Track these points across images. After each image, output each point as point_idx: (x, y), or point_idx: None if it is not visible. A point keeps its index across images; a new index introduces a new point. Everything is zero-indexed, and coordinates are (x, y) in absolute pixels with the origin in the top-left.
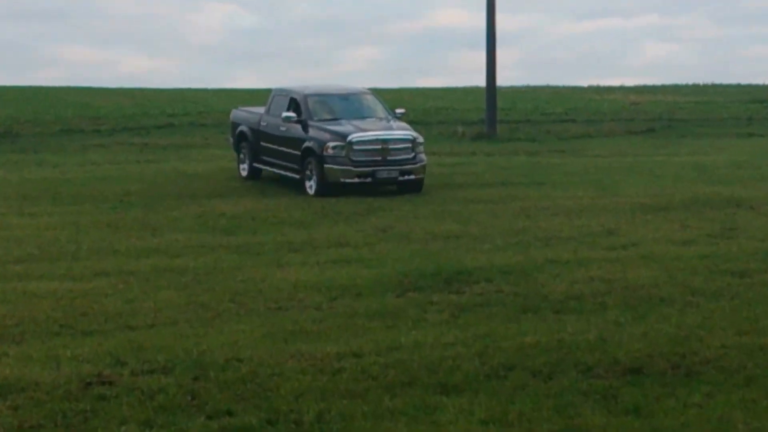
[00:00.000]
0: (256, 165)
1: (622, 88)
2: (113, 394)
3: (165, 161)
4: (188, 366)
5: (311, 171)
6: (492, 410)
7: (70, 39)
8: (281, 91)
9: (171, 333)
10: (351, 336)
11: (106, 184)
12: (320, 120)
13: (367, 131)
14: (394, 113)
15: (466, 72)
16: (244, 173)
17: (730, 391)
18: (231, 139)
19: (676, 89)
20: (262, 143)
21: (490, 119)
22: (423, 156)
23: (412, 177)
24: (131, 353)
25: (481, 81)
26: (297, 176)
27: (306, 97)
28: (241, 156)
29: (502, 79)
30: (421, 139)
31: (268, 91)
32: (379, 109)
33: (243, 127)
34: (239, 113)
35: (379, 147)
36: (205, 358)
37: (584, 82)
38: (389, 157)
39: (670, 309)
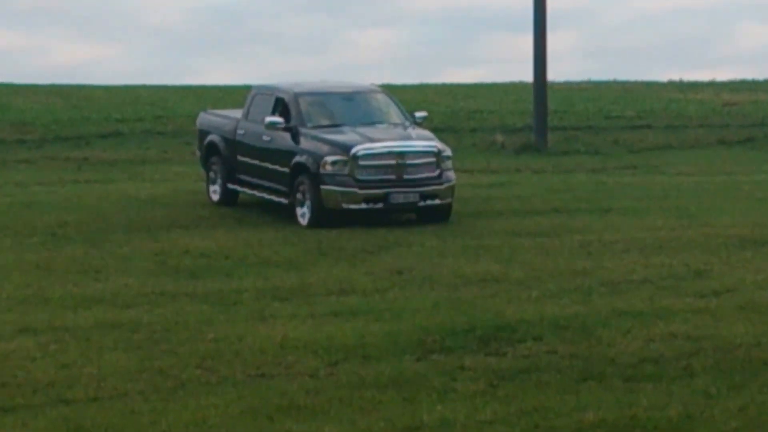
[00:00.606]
0: (231, 186)
1: (712, 85)
2: None
3: (111, 181)
4: None
5: (304, 194)
6: None
7: None
8: (264, 90)
9: (120, 409)
10: (357, 413)
11: (34, 212)
12: (316, 127)
13: (378, 141)
14: (413, 117)
15: (508, 63)
16: (215, 197)
17: None
18: (198, 153)
19: None
20: (240, 158)
21: (540, 125)
22: (451, 174)
23: (437, 201)
24: None
25: (527, 75)
26: (285, 201)
27: (297, 96)
28: (212, 174)
29: (555, 73)
30: (448, 152)
31: (247, 88)
32: (393, 113)
33: (214, 137)
34: (209, 118)
35: (394, 162)
36: None
37: (663, 77)
38: (407, 176)
39: None
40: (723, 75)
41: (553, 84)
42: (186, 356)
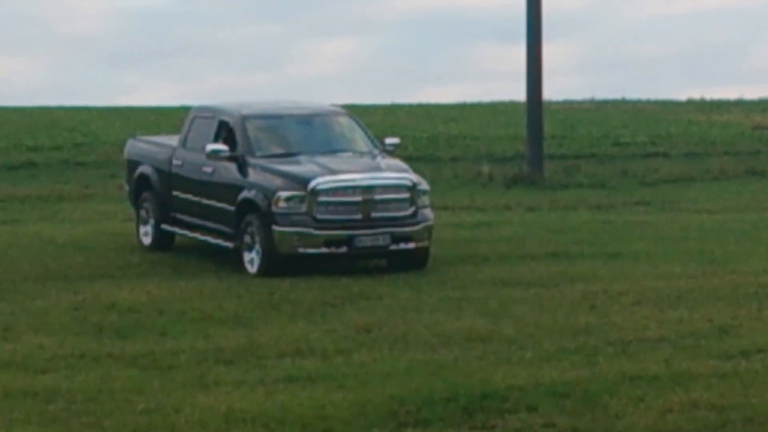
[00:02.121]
0: (165, 227)
1: (740, 104)
2: None
3: (23, 222)
4: None
5: (253, 236)
6: None
7: None
8: (205, 112)
9: None
10: None
11: None
12: (267, 156)
13: (341, 173)
14: (383, 144)
15: (497, 79)
16: (146, 240)
17: None
18: (127, 187)
19: None
20: (176, 193)
21: (534, 153)
22: (428, 212)
23: (412, 245)
24: None
25: (519, 93)
26: (231, 245)
27: (244, 120)
28: (143, 213)
29: (553, 90)
30: (425, 186)
31: (185, 109)
32: (359, 139)
33: (145, 168)
34: (139, 146)
35: (360, 198)
36: None
37: (681, 95)
38: (375, 214)
39: None
40: (753, 93)
41: (551, 104)
42: (112, 431)
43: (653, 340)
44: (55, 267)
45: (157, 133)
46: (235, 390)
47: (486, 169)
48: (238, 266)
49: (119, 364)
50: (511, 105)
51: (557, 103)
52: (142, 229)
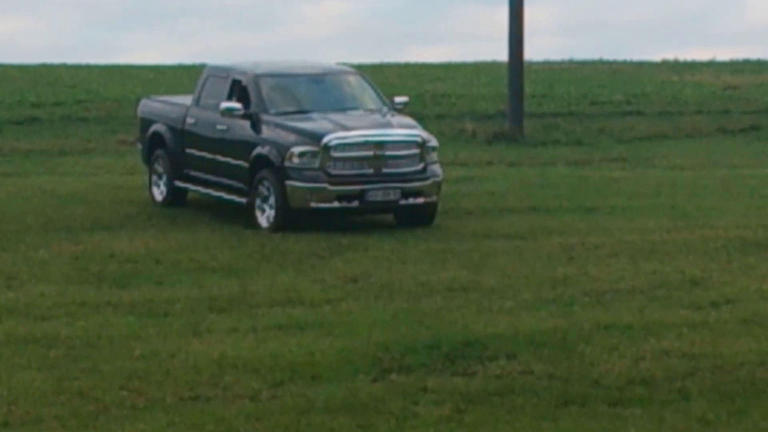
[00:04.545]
0: (179, 184)
1: (712, 65)
2: None
3: (26, 175)
4: None
5: (266, 192)
6: None
7: None
8: (219, 71)
9: None
10: None
11: None
12: (280, 113)
13: (353, 130)
14: (392, 103)
15: (480, 40)
16: (159, 196)
17: None
18: (140, 145)
19: None
20: (189, 150)
21: (515, 111)
22: (437, 168)
23: (421, 200)
24: None
25: (502, 54)
26: (243, 200)
27: (257, 78)
28: (156, 170)
29: (533, 52)
30: (434, 143)
31: (186, 68)
32: (369, 97)
33: (159, 127)
34: (153, 105)
35: (372, 154)
36: None
37: (656, 56)
38: (386, 169)
39: None
40: (724, 54)
41: (531, 64)
42: (110, 376)
43: (627, 291)
44: (57, 218)
45: (157, 90)
46: (227, 337)
47: (469, 126)
48: (231, 218)
49: (117, 312)
50: (494, 65)
51: (537, 63)
52: (155, 185)
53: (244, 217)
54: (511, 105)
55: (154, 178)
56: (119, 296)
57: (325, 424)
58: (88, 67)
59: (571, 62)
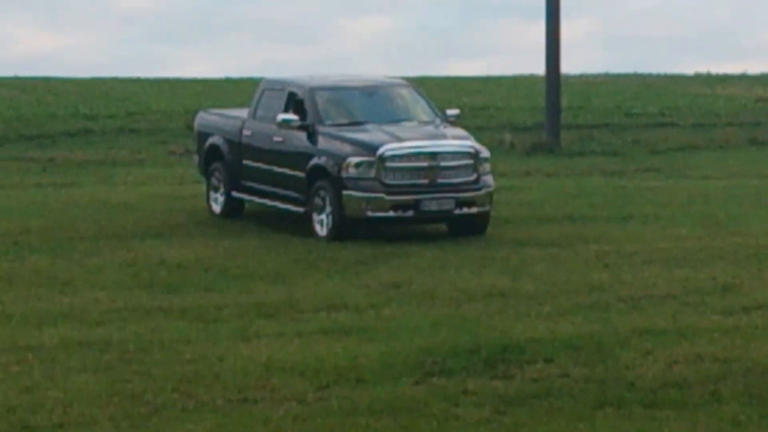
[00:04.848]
0: (236, 195)
1: (743, 78)
2: None
3: (79, 185)
4: None
5: (323, 201)
6: None
7: None
8: (275, 84)
9: None
10: None
11: None
12: (336, 125)
13: (407, 141)
14: (445, 115)
15: (518, 54)
16: (217, 207)
17: None
18: (197, 157)
19: None
20: (247, 162)
21: (552, 123)
22: (490, 178)
23: (475, 209)
24: None
25: (539, 67)
26: (301, 210)
27: (313, 91)
28: (213, 182)
29: (570, 65)
30: (486, 154)
31: (233, 81)
32: (422, 109)
33: (216, 139)
34: (209, 118)
35: (426, 164)
36: None
37: (689, 70)
38: (441, 180)
39: None
40: (756, 68)
41: (568, 77)
42: (161, 379)
43: (661, 297)
44: (109, 227)
45: (204, 102)
46: (274, 341)
47: (508, 137)
48: (278, 226)
49: (168, 317)
50: (531, 78)
51: (574, 76)
52: (212, 196)
53: (291, 225)
54: (548, 117)
55: (212, 189)
56: (170, 302)
57: (370, 426)
58: (139, 81)
59: (606, 75)
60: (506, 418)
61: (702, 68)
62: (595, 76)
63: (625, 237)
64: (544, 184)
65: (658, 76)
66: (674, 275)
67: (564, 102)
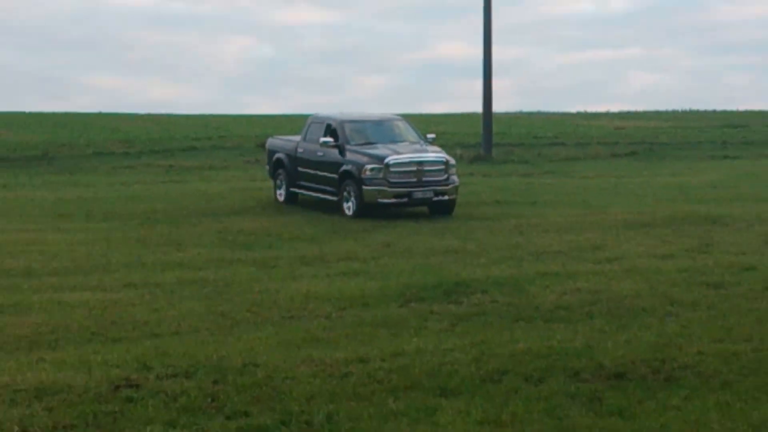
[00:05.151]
0: (293, 190)
1: (607, 115)
2: (140, 397)
3: (188, 182)
4: (209, 370)
5: (349, 193)
6: (487, 412)
7: (100, 68)
8: (317, 119)
9: (193, 340)
10: (358, 343)
11: (135, 202)
12: (357, 144)
13: (403, 154)
14: (426, 138)
15: (465, 99)
16: (281, 198)
17: (706, 395)
18: (267, 167)
19: (657, 115)
20: (300, 168)
21: (487, 143)
22: (455, 178)
23: (445, 198)
24: (156, 358)
25: (478, 107)
26: (335, 198)
27: (343, 123)
28: (278, 182)
29: (498, 106)
30: (453, 162)
31: (282, 117)
32: (411, 134)
33: (280, 155)
34: (275, 141)
35: (415, 169)
36: (224, 363)
37: (573, 109)
38: (424, 179)
39: (651, 318)
40: (616, 108)
41: (497, 114)
42: (239, 303)
43: (555, 252)
44: (207, 208)
45: (269, 131)
46: (311, 280)
47: (459, 152)
48: (315, 209)
49: (244, 265)
50: (474, 115)
51: (501, 114)
52: (278, 191)
53: (327, 208)
54: (484, 139)
55: (278, 186)
56: (245, 255)
57: (371, 333)
58: (225, 116)
59: (520, 113)
60: (457, 328)
61: (581, 108)
62: (514, 113)
63: (532, 214)
64: (482, 181)
65: (554, 113)
66: (563, 238)
67: (494, 129)
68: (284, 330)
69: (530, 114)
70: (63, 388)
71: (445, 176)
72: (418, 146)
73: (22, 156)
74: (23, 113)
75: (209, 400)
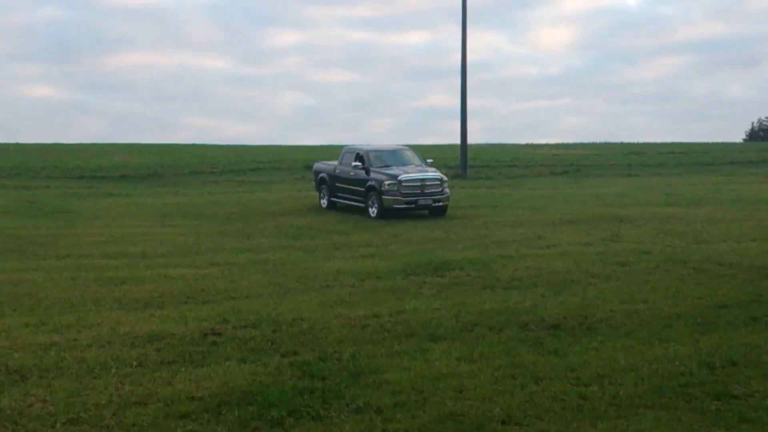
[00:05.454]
0: (332, 199)
1: (547, 145)
2: (221, 341)
3: (255, 192)
4: (269, 323)
5: (373, 201)
6: (463, 352)
7: (194, 112)
8: (349, 149)
9: (258, 302)
10: (373, 304)
11: (217, 206)
12: (378, 167)
13: (411, 174)
14: (426, 161)
15: (448, 134)
16: (324, 205)
17: (615, 340)
18: (313, 183)
19: (582, 146)
20: (337, 184)
21: (463, 165)
22: (448, 190)
23: (441, 204)
24: (232, 315)
25: (457, 140)
26: (362, 205)
27: (368, 152)
28: (322, 193)
29: (471, 139)
30: (446, 179)
31: (319, 147)
32: (416, 159)
33: (323, 174)
34: (320, 165)
35: (419, 184)
36: (280, 318)
37: (523, 141)
38: (426, 191)
39: (577, 287)
40: (553, 141)
41: (470, 145)
42: (290, 277)
43: (511, 241)
44: (269, 210)
45: (315, 159)
46: (340, 260)
47: (444, 171)
48: (345, 212)
49: (294, 249)
50: (455, 145)
51: (473, 144)
52: (322, 200)
53: (356, 212)
54: (461, 162)
55: (321, 197)
56: (294, 243)
57: (383, 297)
58: (281, 146)
59: (487, 144)
60: (442, 294)
61: (529, 141)
62: (482, 145)
63: (495, 215)
64: (460, 192)
65: (510, 144)
66: (516, 231)
67: (468, 156)
68: (321, 295)
69: (493, 145)
70: (167, 335)
71: (441, 189)
72: (421, 168)
73: (139, 174)
74: (140, 144)
75: (269, 343)
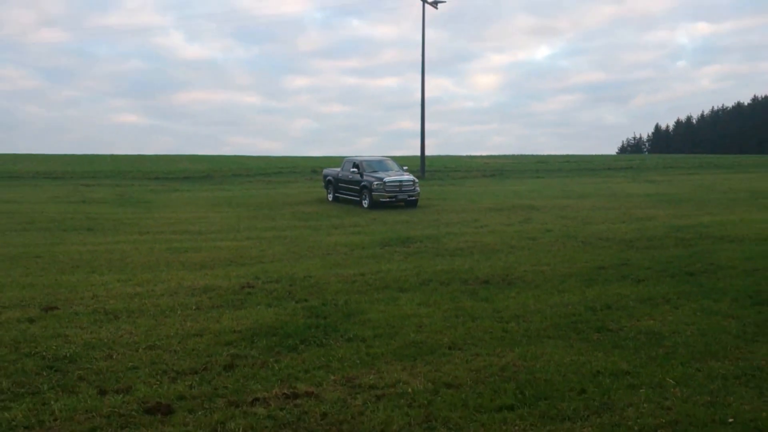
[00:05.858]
0: (336, 194)
1: (481, 156)
2: (254, 292)
3: (277, 189)
4: (288, 279)
5: (365, 196)
6: (422, 300)
7: (235, 133)
8: (349, 159)
9: (280, 264)
10: (359, 266)
11: (252, 199)
12: (369, 172)
13: (393, 177)
14: (403, 168)
15: (412, 148)
16: (330, 199)
17: (528, 291)
18: (323, 183)
19: (504, 157)
20: (340, 184)
21: (422, 170)
22: (418, 189)
23: (414, 198)
24: (262, 274)
25: (418, 153)
26: (357, 199)
27: (362, 161)
28: (328, 191)
29: (428, 152)
30: (417, 181)
31: (323, 157)
32: (395, 167)
33: (329, 177)
34: (327, 170)
35: (399, 184)
36: (295, 275)
37: (465, 153)
38: (403, 189)
39: (501, 255)
40: (485, 153)
41: (427, 156)
42: (303, 247)
43: (455, 223)
44: (287, 201)
45: (326, 165)
46: (336, 236)
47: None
48: (345, 203)
49: (305, 229)
50: (417, 156)
51: (429, 155)
52: (329, 195)
53: (352, 204)
54: (421, 168)
55: (328, 193)
56: (306, 224)
57: (366, 261)
58: (297, 157)
59: (440, 155)
60: (408, 259)
61: (469, 153)
62: (435, 156)
63: (444, 205)
64: (424, 190)
65: (456, 156)
66: (459, 216)
67: (426, 163)
68: (324, 260)
69: (443, 156)
70: (216, 287)
71: (413, 188)
72: (399, 173)
73: (197, 176)
74: (198, 155)
75: (287, 293)
